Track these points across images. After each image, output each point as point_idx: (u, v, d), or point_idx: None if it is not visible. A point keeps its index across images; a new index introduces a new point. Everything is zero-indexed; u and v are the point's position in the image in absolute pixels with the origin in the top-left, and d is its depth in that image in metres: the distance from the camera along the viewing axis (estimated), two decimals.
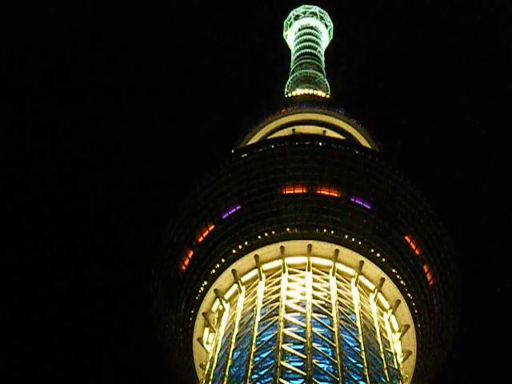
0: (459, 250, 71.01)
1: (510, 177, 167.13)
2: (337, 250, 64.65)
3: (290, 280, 62.91)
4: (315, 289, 61.35)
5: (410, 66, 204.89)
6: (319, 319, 56.97)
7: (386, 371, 55.04)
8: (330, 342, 54.42)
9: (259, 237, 65.23)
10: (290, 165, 68.52)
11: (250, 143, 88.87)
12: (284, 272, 63.69)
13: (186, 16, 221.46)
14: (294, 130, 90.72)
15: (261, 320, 58.15)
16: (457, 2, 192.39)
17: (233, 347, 57.05)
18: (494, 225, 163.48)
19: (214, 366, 57.80)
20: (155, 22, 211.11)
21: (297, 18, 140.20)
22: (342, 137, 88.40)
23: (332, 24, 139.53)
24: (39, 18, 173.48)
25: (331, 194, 66.85)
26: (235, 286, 65.13)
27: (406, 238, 67.15)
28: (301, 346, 53.19)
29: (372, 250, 65.15)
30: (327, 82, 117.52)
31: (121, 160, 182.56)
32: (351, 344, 55.88)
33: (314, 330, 55.28)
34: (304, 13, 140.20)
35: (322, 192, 66.93)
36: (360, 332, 57.37)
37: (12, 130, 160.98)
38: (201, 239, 67.56)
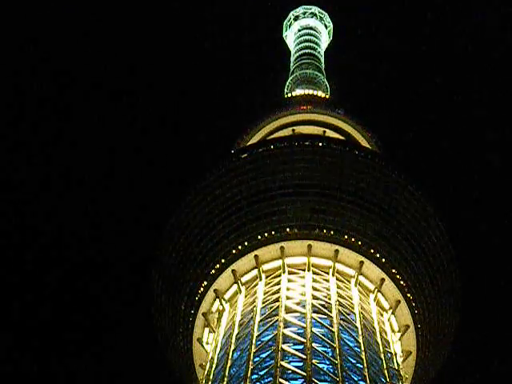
0: (459, 249, 71.09)
1: (510, 176, 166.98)
2: (337, 250, 64.68)
3: (289, 280, 62.92)
4: (315, 289, 61.36)
5: (409, 66, 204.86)
6: (319, 319, 56.97)
7: (385, 371, 55.03)
8: (329, 342, 54.40)
9: (259, 237, 65.26)
10: (289, 165, 68.55)
11: (250, 143, 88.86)
12: (284, 272, 63.70)
13: (186, 16, 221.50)
14: (293, 130, 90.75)
15: (261, 320, 58.15)
16: (457, 2, 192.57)
17: (233, 347, 57.05)
18: (494, 225, 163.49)
19: (214, 366, 57.80)
20: (155, 21, 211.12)
21: (296, 18, 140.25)
22: (341, 137, 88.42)
23: (331, 24, 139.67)
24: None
25: (331, 193, 66.91)
26: (235, 286, 65.16)
27: (406, 238, 67.16)
28: (301, 346, 53.17)
29: (372, 251, 65.19)
30: (327, 83, 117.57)
31: (121, 159, 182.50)
32: (351, 344, 55.87)
33: (314, 330, 55.29)
34: (304, 13, 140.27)
35: (322, 192, 66.99)
36: (360, 332, 57.38)
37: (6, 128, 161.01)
38: (201, 239, 67.58)
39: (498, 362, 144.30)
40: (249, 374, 51.00)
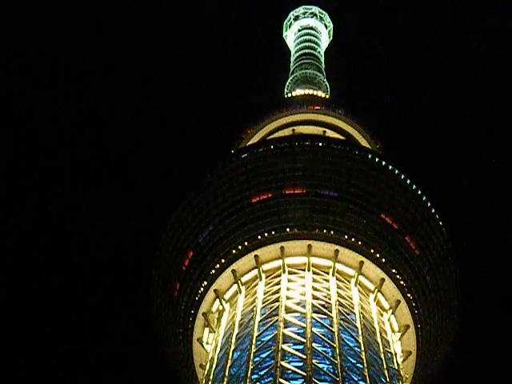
0: (459, 250, 71.16)
1: (510, 175, 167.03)
2: (337, 250, 64.65)
3: (289, 280, 62.90)
4: (315, 289, 61.35)
5: (410, 66, 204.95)
6: (319, 319, 56.96)
7: (385, 371, 55.03)
8: (329, 342, 54.41)
9: (259, 237, 65.24)
10: (289, 165, 68.52)
11: (250, 143, 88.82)
12: (284, 272, 63.68)
13: (186, 16, 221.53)
14: (293, 130, 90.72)
15: (261, 320, 58.14)
16: (457, 2, 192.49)
17: (233, 347, 57.04)
18: (495, 225, 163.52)
19: (214, 366, 57.80)
20: (155, 22, 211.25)
21: (296, 18, 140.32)
22: (341, 137, 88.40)
23: (332, 24, 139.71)
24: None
25: (331, 194, 66.90)
26: (235, 286, 65.13)
27: (406, 238, 67.17)
28: (301, 346, 53.17)
29: (372, 251, 65.16)
30: (327, 83, 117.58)
31: (121, 160, 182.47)
32: (351, 344, 55.86)
33: (314, 330, 55.28)
34: (304, 13, 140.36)
35: (322, 192, 66.98)
36: (360, 332, 57.37)
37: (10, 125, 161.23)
38: (201, 239, 67.58)
39: (498, 361, 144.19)
40: (249, 374, 51.01)
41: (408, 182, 69.30)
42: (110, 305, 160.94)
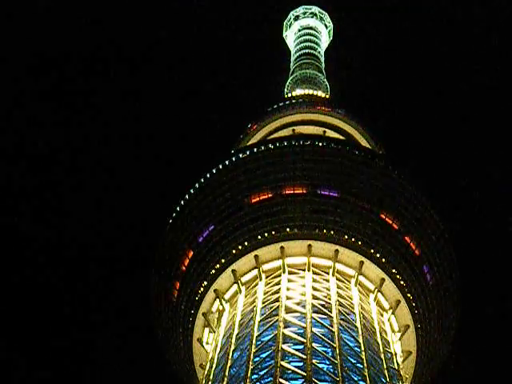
0: (459, 250, 71.12)
1: (509, 175, 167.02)
2: (337, 250, 64.66)
3: (289, 280, 62.90)
4: (315, 289, 61.33)
5: (409, 66, 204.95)
6: (319, 319, 56.95)
7: (385, 371, 55.02)
8: (329, 342, 54.39)
9: (259, 237, 65.23)
10: (289, 165, 68.51)
11: (249, 143, 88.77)
12: (284, 272, 63.66)
13: (187, 17, 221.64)
14: (293, 130, 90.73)
15: (261, 320, 58.12)
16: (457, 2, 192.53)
17: (233, 347, 57.02)
18: (494, 224, 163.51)
19: (214, 366, 57.79)
20: (157, 22, 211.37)
21: (296, 18, 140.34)
22: (341, 137, 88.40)
23: (332, 24, 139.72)
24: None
25: (331, 194, 66.89)
26: (235, 286, 65.11)
27: (406, 238, 67.16)
28: (301, 346, 53.16)
29: (372, 250, 65.15)
30: (327, 83, 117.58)
31: (122, 159, 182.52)
32: (351, 344, 55.85)
33: (314, 330, 55.28)
34: (304, 13, 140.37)
35: (322, 192, 66.98)
36: (360, 332, 57.35)
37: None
38: (201, 239, 67.57)
39: (498, 361, 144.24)
40: (249, 374, 50.99)
41: (408, 181, 69.27)
42: (109, 305, 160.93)
